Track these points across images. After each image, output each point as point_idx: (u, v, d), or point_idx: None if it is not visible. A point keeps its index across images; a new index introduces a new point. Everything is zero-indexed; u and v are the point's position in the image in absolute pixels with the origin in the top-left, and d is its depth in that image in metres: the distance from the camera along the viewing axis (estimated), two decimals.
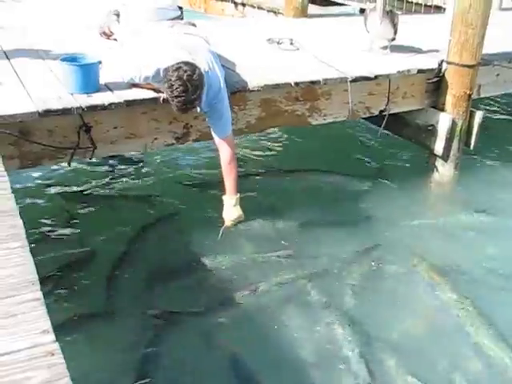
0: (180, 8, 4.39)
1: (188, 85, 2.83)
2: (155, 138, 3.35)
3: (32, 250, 1.70)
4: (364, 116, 4.26)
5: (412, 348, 2.94)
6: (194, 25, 3.80)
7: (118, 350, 2.79)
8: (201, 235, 3.63)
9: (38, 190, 4.18)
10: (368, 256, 3.60)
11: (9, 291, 1.51)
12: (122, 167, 4.60)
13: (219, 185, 3.43)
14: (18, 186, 3.95)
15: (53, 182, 4.30)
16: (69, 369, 1.29)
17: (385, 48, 4.50)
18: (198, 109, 3.12)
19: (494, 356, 2.87)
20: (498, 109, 6.35)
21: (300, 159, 4.83)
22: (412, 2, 6.56)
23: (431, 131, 4.35)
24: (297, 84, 3.64)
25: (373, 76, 3.91)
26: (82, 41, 4.08)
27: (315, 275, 3.39)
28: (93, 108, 2.96)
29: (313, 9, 6.30)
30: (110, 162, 4.59)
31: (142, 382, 2.62)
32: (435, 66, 4.23)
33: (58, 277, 3.22)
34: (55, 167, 4.21)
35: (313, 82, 3.73)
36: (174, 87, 2.84)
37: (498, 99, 6.41)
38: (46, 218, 3.78)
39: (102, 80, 3.16)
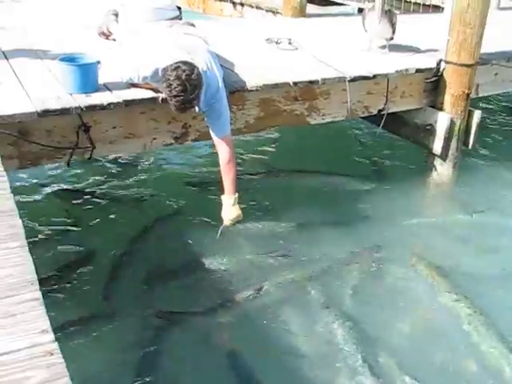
0: (179, 8, 4.39)
1: (186, 84, 2.84)
2: (154, 138, 3.35)
3: (31, 250, 1.70)
4: (363, 115, 4.26)
5: (411, 347, 2.94)
6: (192, 25, 3.80)
7: (117, 350, 2.79)
8: (200, 235, 3.63)
9: (37, 190, 4.17)
10: (367, 255, 3.60)
11: (8, 291, 1.51)
12: (122, 167, 4.60)
13: (218, 184, 3.44)
14: (17, 185, 3.96)
15: (52, 182, 4.30)
16: (68, 368, 1.29)
17: (383, 47, 4.50)
18: (197, 108, 3.12)
19: (494, 356, 2.87)
20: (497, 108, 6.35)
21: (298, 159, 4.82)
22: (410, 2, 6.58)
23: (430, 131, 4.35)
24: (295, 84, 3.64)
25: (371, 75, 3.92)
26: (80, 41, 4.09)
27: (314, 275, 3.39)
28: (92, 108, 2.96)
29: (311, 8, 6.31)
30: (109, 161, 4.60)
31: (142, 382, 2.62)
32: (433, 65, 4.23)
33: (57, 277, 3.22)
34: (54, 167, 4.21)
35: (311, 82, 3.73)
36: (173, 87, 2.84)
37: (500, 97, 6.42)
38: (45, 218, 3.78)
39: (101, 80, 3.16)
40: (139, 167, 4.63)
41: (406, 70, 4.09)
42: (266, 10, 6.40)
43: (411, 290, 3.37)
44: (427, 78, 4.28)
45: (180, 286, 3.28)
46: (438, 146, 4.33)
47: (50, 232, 3.66)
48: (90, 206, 4.01)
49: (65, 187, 4.26)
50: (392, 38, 4.47)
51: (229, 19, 6.66)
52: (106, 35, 4.13)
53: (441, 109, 4.30)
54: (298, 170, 4.62)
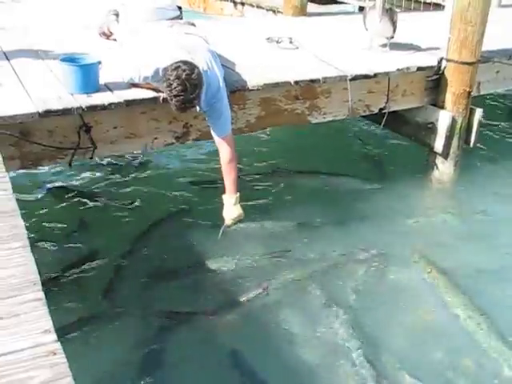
0: (179, 8, 4.41)
1: (187, 84, 2.84)
2: (155, 138, 3.36)
3: (33, 251, 1.71)
4: (364, 114, 4.25)
5: (412, 346, 2.94)
6: (193, 24, 3.80)
7: (120, 350, 2.80)
8: (201, 234, 3.64)
9: (38, 191, 4.18)
10: (368, 255, 3.60)
11: (10, 291, 1.52)
12: (123, 167, 4.60)
13: (219, 184, 3.44)
14: (18, 186, 3.96)
15: (54, 182, 4.31)
16: (71, 368, 1.30)
17: (384, 46, 4.49)
18: (198, 108, 3.12)
19: (495, 355, 2.87)
20: (498, 106, 6.34)
21: (299, 158, 4.82)
22: (411, 0, 6.56)
23: (431, 129, 4.35)
24: (296, 83, 3.64)
25: (372, 74, 3.91)
26: (81, 41, 4.08)
27: (315, 275, 3.39)
28: (93, 108, 2.96)
29: (312, 7, 6.30)
30: (111, 161, 4.60)
31: (145, 381, 2.63)
32: (435, 63, 4.23)
33: (59, 277, 3.23)
34: (56, 167, 4.22)
35: (312, 81, 3.73)
36: (173, 86, 2.84)
37: (501, 96, 6.40)
38: (47, 218, 3.78)
39: (102, 80, 3.16)
40: (140, 167, 4.63)
41: (407, 68, 4.09)
42: (267, 9, 6.40)
43: (412, 289, 3.37)
44: (428, 77, 4.27)
45: (182, 286, 3.29)
46: (439, 145, 4.33)
47: (51, 232, 3.67)
48: (91, 206, 4.02)
49: (66, 187, 4.26)
50: (393, 37, 4.46)
51: (229, 18, 6.65)
52: (107, 35, 4.13)
53: (442, 107, 4.29)
54: (298, 170, 4.62)
